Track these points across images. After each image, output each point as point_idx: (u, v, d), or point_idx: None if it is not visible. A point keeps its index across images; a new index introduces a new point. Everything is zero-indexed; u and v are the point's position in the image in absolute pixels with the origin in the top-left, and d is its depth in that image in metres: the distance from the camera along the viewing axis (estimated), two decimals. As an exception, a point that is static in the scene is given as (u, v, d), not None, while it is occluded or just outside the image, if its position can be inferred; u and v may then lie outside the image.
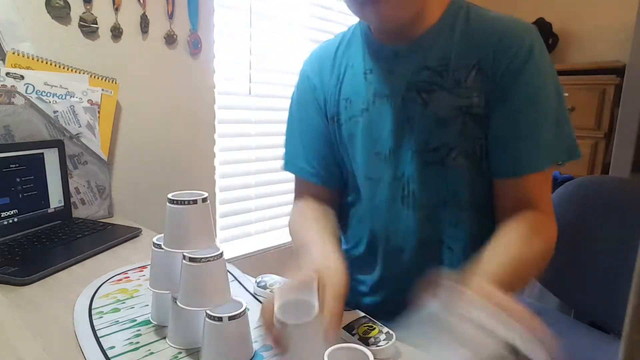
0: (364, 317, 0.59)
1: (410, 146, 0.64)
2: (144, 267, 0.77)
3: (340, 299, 0.47)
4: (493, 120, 0.60)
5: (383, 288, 0.72)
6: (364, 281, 0.75)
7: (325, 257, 0.55)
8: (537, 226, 0.59)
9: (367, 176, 0.69)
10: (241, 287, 0.70)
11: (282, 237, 1.75)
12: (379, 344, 0.52)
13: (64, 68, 1.06)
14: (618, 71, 1.92)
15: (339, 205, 0.78)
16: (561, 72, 2.32)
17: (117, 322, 0.57)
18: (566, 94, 2.07)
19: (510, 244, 0.56)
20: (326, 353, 0.41)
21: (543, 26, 2.23)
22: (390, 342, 0.53)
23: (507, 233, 0.58)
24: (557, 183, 1.68)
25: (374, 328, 0.56)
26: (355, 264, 0.73)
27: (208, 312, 0.48)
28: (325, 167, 0.75)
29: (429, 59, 0.62)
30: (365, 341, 0.53)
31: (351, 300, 0.75)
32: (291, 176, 0.80)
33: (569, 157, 0.61)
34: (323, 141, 0.75)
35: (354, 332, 0.55)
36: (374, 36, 0.68)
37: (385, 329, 0.55)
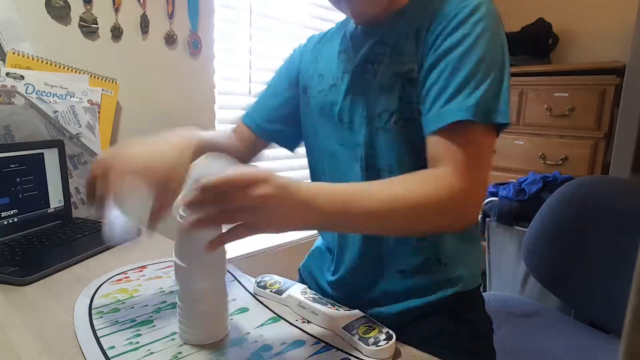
0: (363, 317, 0.59)
1: (361, 114, 0.69)
2: (144, 267, 0.77)
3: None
4: (422, 79, 0.62)
5: (339, 250, 0.76)
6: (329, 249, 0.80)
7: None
8: (425, 175, 0.56)
9: (330, 146, 0.74)
10: (241, 287, 0.70)
11: (282, 237, 1.75)
12: (379, 344, 0.52)
13: (64, 68, 1.06)
14: (618, 71, 1.92)
15: (251, 152, 0.86)
16: (561, 72, 2.32)
17: (117, 322, 0.57)
18: (566, 94, 2.08)
19: (373, 182, 0.57)
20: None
21: (543, 26, 2.23)
22: (391, 342, 0.53)
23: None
24: (557, 183, 1.68)
25: (374, 328, 0.56)
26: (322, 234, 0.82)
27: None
28: (266, 119, 0.83)
29: (388, 34, 0.67)
30: (365, 341, 0.53)
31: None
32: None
33: (481, 117, 0.55)
34: (277, 99, 0.84)
35: (353, 332, 0.55)
36: (353, 20, 0.73)
37: (385, 329, 0.55)
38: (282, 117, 0.83)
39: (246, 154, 0.85)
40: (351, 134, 0.70)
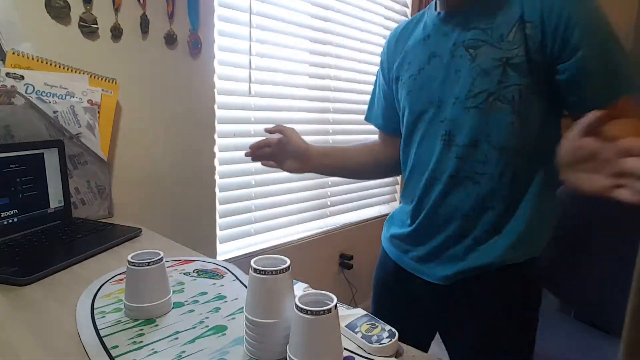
0: (365, 315, 0.59)
1: (454, 94, 0.75)
2: (144, 267, 0.77)
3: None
4: (562, 70, 0.67)
5: (417, 216, 0.84)
6: (406, 212, 0.88)
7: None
8: None
9: (417, 121, 0.82)
10: (242, 286, 0.70)
11: (283, 236, 1.75)
12: (382, 342, 0.52)
13: (64, 68, 1.06)
14: (618, 71, 1.91)
15: (395, 148, 0.95)
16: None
17: (119, 321, 0.58)
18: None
19: None
20: (296, 298, 0.46)
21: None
22: (393, 340, 0.53)
23: None
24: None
25: (377, 326, 0.56)
26: (403, 196, 0.91)
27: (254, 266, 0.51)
28: (385, 116, 0.97)
29: (477, 19, 0.73)
30: (368, 339, 0.53)
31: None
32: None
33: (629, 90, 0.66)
34: (385, 98, 0.96)
35: (356, 330, 0.55)
36: (436, 8, 0.80)
37: (387, 327, 0.55)
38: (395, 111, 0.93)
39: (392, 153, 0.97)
40: (437, 110, 0.77)
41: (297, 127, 1.03)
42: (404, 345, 0.55)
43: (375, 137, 1.03)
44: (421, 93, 0.80)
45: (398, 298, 0.91)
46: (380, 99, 0.98)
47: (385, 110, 0.97)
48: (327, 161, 1.00)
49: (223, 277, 0.74)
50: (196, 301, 0.64)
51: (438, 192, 0.78)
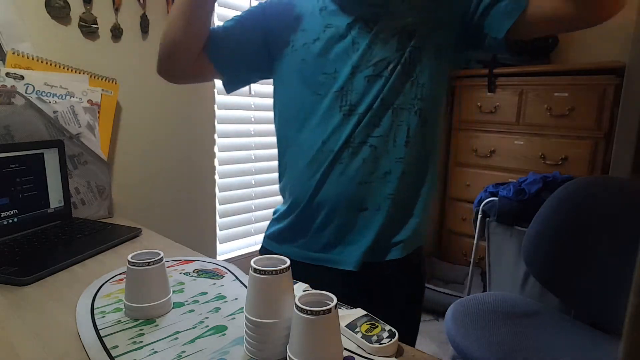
0: (365, 315, 0.59)
1: (352, 64, 0.76)
2: (144, 267, 0.77)
3: None
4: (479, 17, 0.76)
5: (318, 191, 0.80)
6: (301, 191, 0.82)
7: None
8: None
9: (314, 93, 0.79)
10: (242, 286, 0.70)
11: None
12: (382, 342, 0.52)
13: (64, 68, 1.06)
14: (618, 71, 1.92)
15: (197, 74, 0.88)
16: (561, 72, 2.32)
17: (119, 321, 0.58)
18: (566, 94, 2.08)
19: None
20: (296, 298, 0.46)
21: (543, 26, 2.23)
22: (393, 340, 0.53)
23: None
24: (557, 183, 1.68)
25: (377, 326, 0.56)
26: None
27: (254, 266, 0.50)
28: (228, 56, 0.85)
29: None
30: (368, 339, 0.53)
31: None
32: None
33: None
34: (245, 35, 0.85)
35: (356, 330, 0.55)
36: None
37: (387, 327, 0.55)
38: (243, 55, 0.86)
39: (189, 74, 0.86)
40: (335, 81, 0.77)
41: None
42: (404, 345, 0.55)
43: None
44: (317, 64, 0.79)
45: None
46: (236, 37, 0.85)
47: (237, 44, 0.85)
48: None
49: (223, 277, 0.74)
50: (196, 301, 0.64)
51: (343, 160, 0.77)
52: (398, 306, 0.83)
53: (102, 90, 1.12)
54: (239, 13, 0.88)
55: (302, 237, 0.82)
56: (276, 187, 1.70)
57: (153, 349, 0.52)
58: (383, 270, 0.79)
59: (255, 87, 1.54)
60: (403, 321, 0.77)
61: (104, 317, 0.59)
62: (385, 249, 0.79)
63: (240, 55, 0.86)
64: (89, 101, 1.09)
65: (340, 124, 0.76)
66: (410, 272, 0.84)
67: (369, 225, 0.77)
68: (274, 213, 0.92)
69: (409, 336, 0.86)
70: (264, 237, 0.92)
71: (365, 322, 0.57)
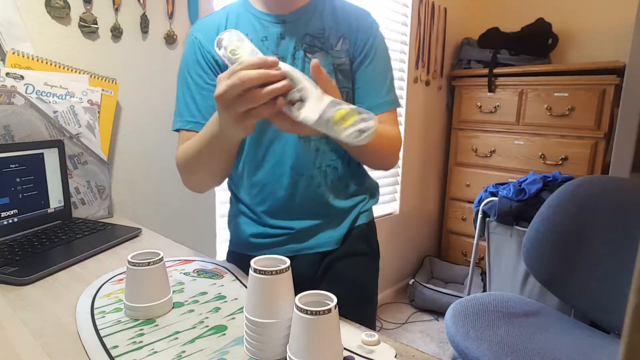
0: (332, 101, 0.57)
1: None
2: (144, 267, 0.77)
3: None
4: (358, 75, 0.84)
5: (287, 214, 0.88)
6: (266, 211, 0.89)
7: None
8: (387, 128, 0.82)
9: (260, 125, 0.83)
10: (242, 287, 0.70)
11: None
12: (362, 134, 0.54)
13: (64, 68, 1.06)
14: (618, 71, 1.92)
15: None
16: (561, 72, 2.32)
17: (119, 321, 0.58)
18: (566, 94, 2.08)
19: None
20: (296, 298, 0.47)
21: (543, 26, 2.23)
22: (371, 129, 0.54)
23: None
24: (557, 183, 1.68)
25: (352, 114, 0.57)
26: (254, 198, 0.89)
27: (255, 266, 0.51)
28: (205, 117, 0.84)
29: (310, 27, 0.82)
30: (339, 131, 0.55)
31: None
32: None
33: (396, 106, 0.87)
34: (206, 95, 0.85)
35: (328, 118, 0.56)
36: (259, 9, 0.84)
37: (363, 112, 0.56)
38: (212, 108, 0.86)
39: None
40: None
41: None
42: (404, 345, 0.55)
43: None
44: None
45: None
46: (198, 100, 0.87)
47: (206, 110, 0.85)
48: None
49: (223, 277, 0.74)
50: (196, 301, 0.64)
51: (306, 185, 0.84)
52: None
53: (102, 90, 1.12)
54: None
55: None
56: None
57: (153, 349, 0.52)
58: None
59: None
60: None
61: (104, 317, 0.59)
62: None
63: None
64: (89, 101, 1.09)
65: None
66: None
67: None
68: None
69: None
70: None
71: (338, 109, 0.55)
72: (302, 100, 0.56)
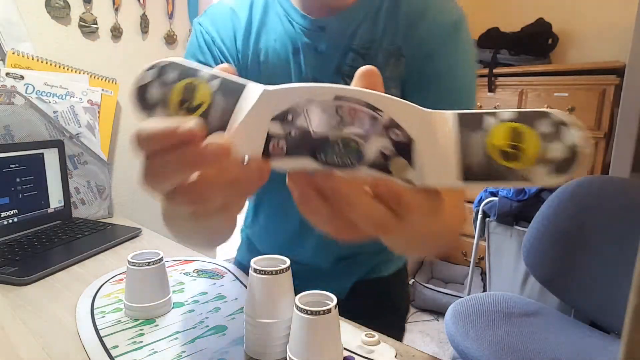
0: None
1: None
2: (144, 267, 0.77)
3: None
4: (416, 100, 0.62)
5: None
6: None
7: None
8: None
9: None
10: (242, 287, 0.70)
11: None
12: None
13: (64, 68, 1.06)
14: (618, 71, 1.92)
15: None
16: (561, 72, 2.32)
17: (119, 321, 0.57)
18: (566, 94, 2.08)
19: None
20: (296, 298, 0.46)
21: (543, 26, 2.24)
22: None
23: None
24: (557, 183, 1.68)
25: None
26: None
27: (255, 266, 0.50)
28: None
29: (355, 37, 0.61)
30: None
31: None
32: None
33: None
34: None
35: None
36: (293, 4, 0.63)
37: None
38: None
39: None
40: None
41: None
42: (404, 345, 0.55)
43: None
44: None
45: None
46: None
47: None
48: None
49: (223, 277, 0.74)
50: (196, 301, 0.64)
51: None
52: None
53: (102, 90, 1.12)
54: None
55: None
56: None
57: (153, 349, 0.52)
58: None
59: (255, 87, 1.54)
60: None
61: (104, 317, 0.59)
62: None
63: None
64: (89, 101, 1.09)
65: None
66: None
67: None
68: None
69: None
70: None
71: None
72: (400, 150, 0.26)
